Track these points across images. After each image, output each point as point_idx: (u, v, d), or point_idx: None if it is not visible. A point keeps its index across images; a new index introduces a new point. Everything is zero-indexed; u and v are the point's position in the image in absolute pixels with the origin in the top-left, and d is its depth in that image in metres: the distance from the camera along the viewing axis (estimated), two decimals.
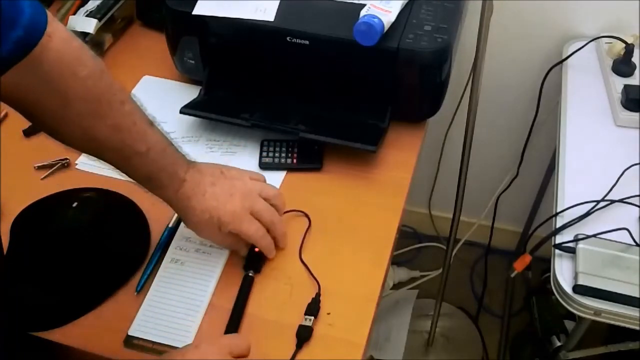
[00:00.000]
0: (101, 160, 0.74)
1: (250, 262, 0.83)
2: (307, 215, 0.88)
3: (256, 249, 0.83)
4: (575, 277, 0.85)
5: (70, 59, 0.65)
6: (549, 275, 0.90)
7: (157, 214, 0.87)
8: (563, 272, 0.87)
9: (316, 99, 0.99)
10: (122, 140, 0.71)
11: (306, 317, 0.77)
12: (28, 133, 1.00)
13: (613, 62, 1.13)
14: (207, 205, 0.77)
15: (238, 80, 1.04)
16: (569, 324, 1.35)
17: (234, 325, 0.77)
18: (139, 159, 0.73)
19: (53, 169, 0.95)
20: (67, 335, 0.77)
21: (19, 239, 0.84)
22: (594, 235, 0.88)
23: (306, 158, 0.96)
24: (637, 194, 0.93)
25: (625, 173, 0.96)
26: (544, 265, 1.44)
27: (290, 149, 0.97)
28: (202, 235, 0.82)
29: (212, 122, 1.00)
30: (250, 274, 0.81)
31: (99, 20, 1.12)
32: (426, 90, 0.97)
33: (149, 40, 1.18)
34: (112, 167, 0.75)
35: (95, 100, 0.68)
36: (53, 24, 0.64)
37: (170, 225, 0.87)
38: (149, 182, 0.76)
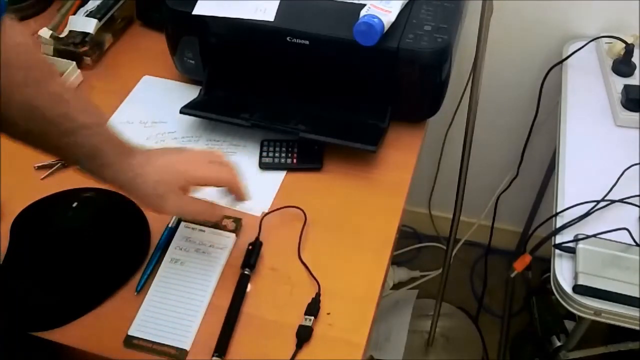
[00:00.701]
0: (40, 150, 0.69)
1: (244, 259, 0.83)
2: (302, 211, 0.88)
3: (250, 247, 0.83)
4: (575, 277, 0.85)
5: None
6: (549, 275, 0.90)
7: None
8: (563, 272, 0.87)
9: (316, 99, 0.99)
10: (63, 108, 0.66)
11: (306, 317, 0.77)
12: None
13: (613, 62, 1.13)
14: (159, 164, 0.72)
15: (238, 80, 1.04)
16: (569, 324, 1.35)
17: (230, 323, 0.77)
18: (83, 132, 0.67)
19: (53, 169, 0.95)
20: (67, 335, 0.77)
21: (19, 239, 0.84)
22: (594, 235, 0.88)
23: (306, 158, 0.96)
24: (637, 194, 0.93)
25: (625, 173, 0.96)
26: (544, 265, 1.44)
27: (290, 149, 0.97)
28: (158, 202, 0.73)
29: (212, 122, 1.00)
30: (246, 272, 0.81)
31: (99, 20, 1.12)
32: (426, 90, 0.97)
33: (149, 40, 1.18)
34: (49, 152, 0.70)
35: (31, 68, 0.64)
36: None
37: (170, 225, 0.87)
38: (94, 158, 0.69)
